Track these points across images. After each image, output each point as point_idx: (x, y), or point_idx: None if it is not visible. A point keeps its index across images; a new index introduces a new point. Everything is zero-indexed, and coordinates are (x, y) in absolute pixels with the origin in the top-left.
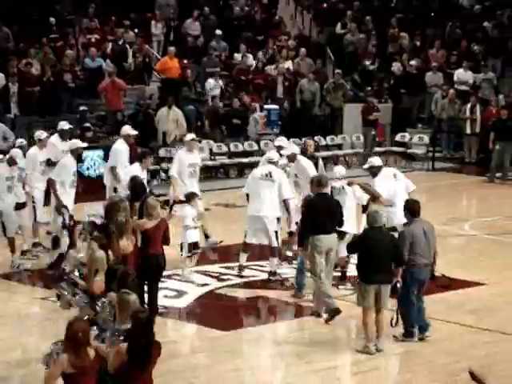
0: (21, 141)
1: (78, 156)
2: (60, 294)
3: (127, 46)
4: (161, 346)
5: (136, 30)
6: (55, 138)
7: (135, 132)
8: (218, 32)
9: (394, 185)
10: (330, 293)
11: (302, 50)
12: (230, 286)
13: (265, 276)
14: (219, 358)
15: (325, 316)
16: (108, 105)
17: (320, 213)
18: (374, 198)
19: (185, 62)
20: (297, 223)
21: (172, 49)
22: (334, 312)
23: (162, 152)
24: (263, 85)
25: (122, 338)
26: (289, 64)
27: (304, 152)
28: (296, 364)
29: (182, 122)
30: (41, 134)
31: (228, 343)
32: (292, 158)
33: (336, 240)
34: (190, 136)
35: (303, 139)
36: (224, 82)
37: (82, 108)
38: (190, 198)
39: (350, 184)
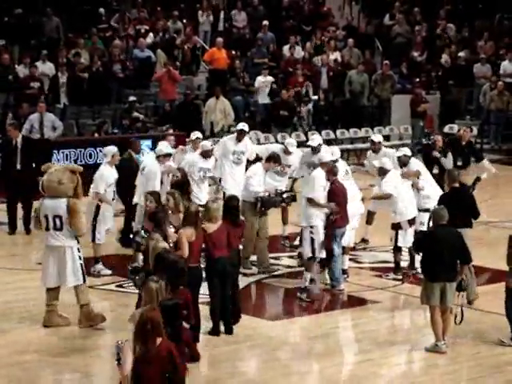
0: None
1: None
2: None
3: (176, 36)
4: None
5: (184, 21)
6: (230, 138)
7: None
8: (265, 22)
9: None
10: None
11: (350, 40)
12: (277, 276)
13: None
14: (265, 348)
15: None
16: (162, 95)
17: (452, 207)
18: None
19: (233, 52)
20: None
21: (220, 40)
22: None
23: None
24: (309, 76)
25: None
26: (336, 55)
27: (433, 147)
28: (340, 354)
29: (229, 112)
30: (193, 134)
31: (274, 333)
32: (405, 161)
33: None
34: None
35: (432, 135)
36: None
37: (130, 98)
38: None
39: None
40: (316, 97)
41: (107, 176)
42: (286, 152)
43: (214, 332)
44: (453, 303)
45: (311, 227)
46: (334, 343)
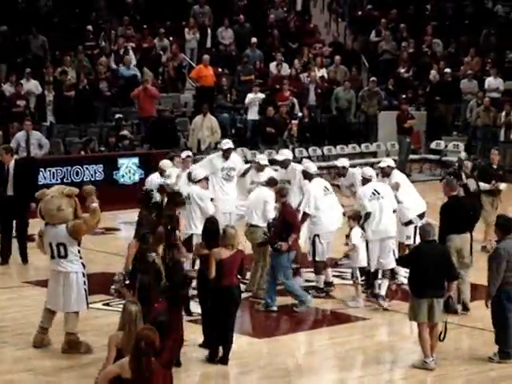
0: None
1: None
2: None
3: (162, 53)
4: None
5: (171, 38)
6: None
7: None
8: (254, 40)
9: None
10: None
11: (337, 57)
12: None
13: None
14: (251, 366)
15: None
16: (140, 111)
17: (454, 215)
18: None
19: (219, 70)
20: None
21: (206, 57)
22: (454, 311)
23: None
24: (296, 92)
25: None
26: (323, 72)
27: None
28: (327, 372)
29: (216, 129)
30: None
31: (261, 351)
32: (388, 172)
33: (468, 239)
34: None
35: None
36: (262, 94)
37: (117, 116)
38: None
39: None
40: (301, 114)
41: None
42: (259, 169)
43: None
44: (440, 320)
45: None
46: (320, 361)
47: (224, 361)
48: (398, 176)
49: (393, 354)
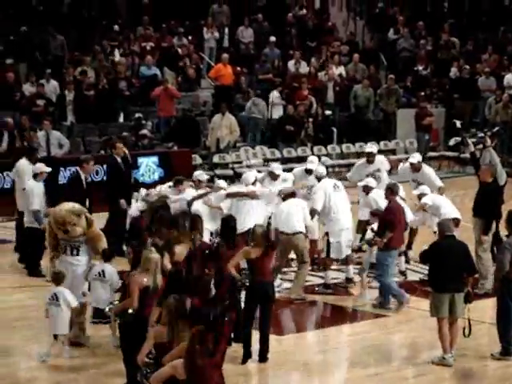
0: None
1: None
2: None
3: (180, 52)
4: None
5: (190, 37)
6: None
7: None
8: (272, 39)
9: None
10: None
11: (355, 55)
12: (282, 291)
13: (316, 280)
14: (271, 363)
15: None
16: (159, 111)
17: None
18: None
19: (238, 68)
20: None
21: (225, 56)
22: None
23: (215, 158)
24: (315, 91)
25: None
26: (341, 70)
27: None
28: (347, 369)
29: (235, 128)
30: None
31: (281, 348)
32: (418, 167)
33: None
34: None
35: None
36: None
37: (136, 115)
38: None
39: None
40: (330, 112)
41: None
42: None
43: (245, 359)
44: (461, 315)
45: None
46: (338, 358)
47: (263, 358)
48: (429, 170)
49: (412, 351)
